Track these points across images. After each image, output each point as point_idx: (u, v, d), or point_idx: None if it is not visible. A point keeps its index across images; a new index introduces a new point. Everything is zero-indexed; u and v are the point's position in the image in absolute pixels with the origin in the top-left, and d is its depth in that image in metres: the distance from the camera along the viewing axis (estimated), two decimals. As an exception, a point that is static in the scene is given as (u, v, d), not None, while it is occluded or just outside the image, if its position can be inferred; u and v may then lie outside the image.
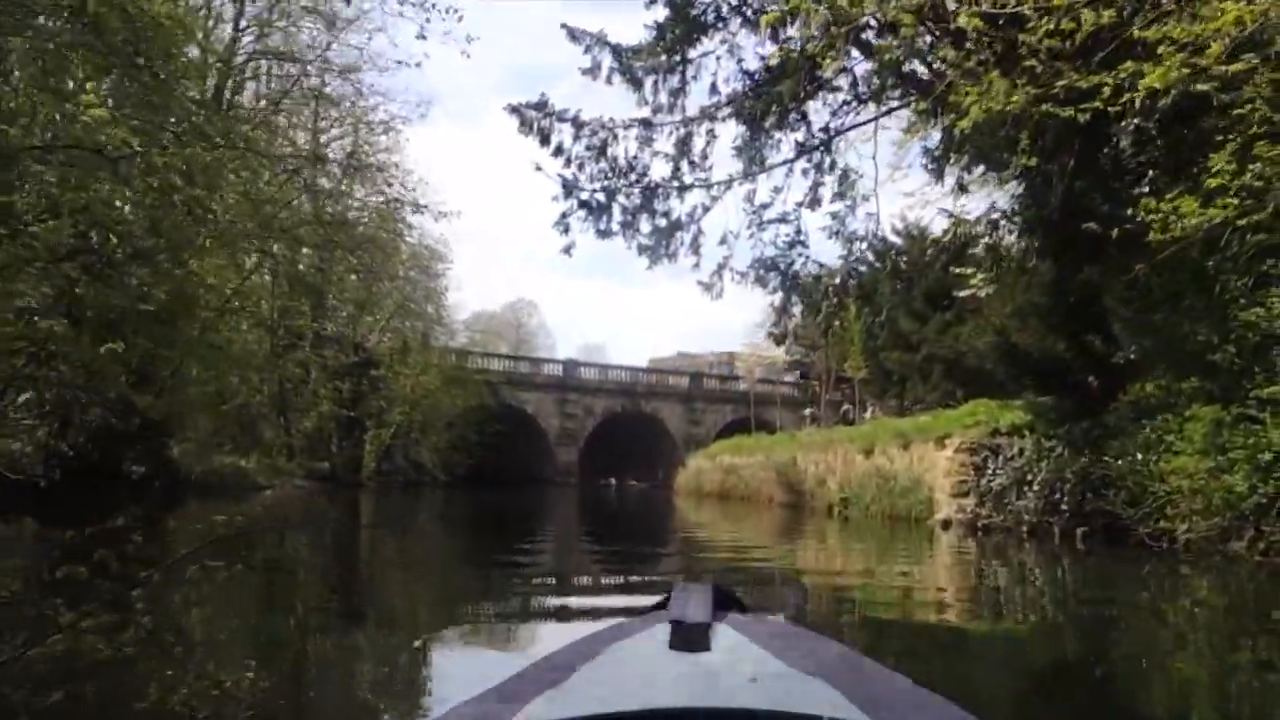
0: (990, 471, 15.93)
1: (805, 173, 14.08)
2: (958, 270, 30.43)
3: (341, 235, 38.52)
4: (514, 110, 14.01)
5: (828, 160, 14.13)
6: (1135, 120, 10.16)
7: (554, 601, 8.96)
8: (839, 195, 13.29)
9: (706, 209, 13.47)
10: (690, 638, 1.43)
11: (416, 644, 6.44)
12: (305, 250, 39.29)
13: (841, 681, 1.27)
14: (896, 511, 18.94)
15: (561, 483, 52.73)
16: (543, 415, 55.73)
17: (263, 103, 30.33)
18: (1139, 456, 11.58)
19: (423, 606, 8.75)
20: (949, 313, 36.15)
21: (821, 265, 13.56)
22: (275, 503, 27.39)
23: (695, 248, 13.40)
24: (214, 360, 24.61)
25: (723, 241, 13.45)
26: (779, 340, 15.19)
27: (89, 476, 20.78)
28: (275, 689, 4.66)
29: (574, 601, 8.93)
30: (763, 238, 13.57)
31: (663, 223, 13.23)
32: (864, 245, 13.03)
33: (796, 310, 14.19)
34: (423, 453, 45.10)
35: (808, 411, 42.08)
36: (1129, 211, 9.59)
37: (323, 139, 40.91)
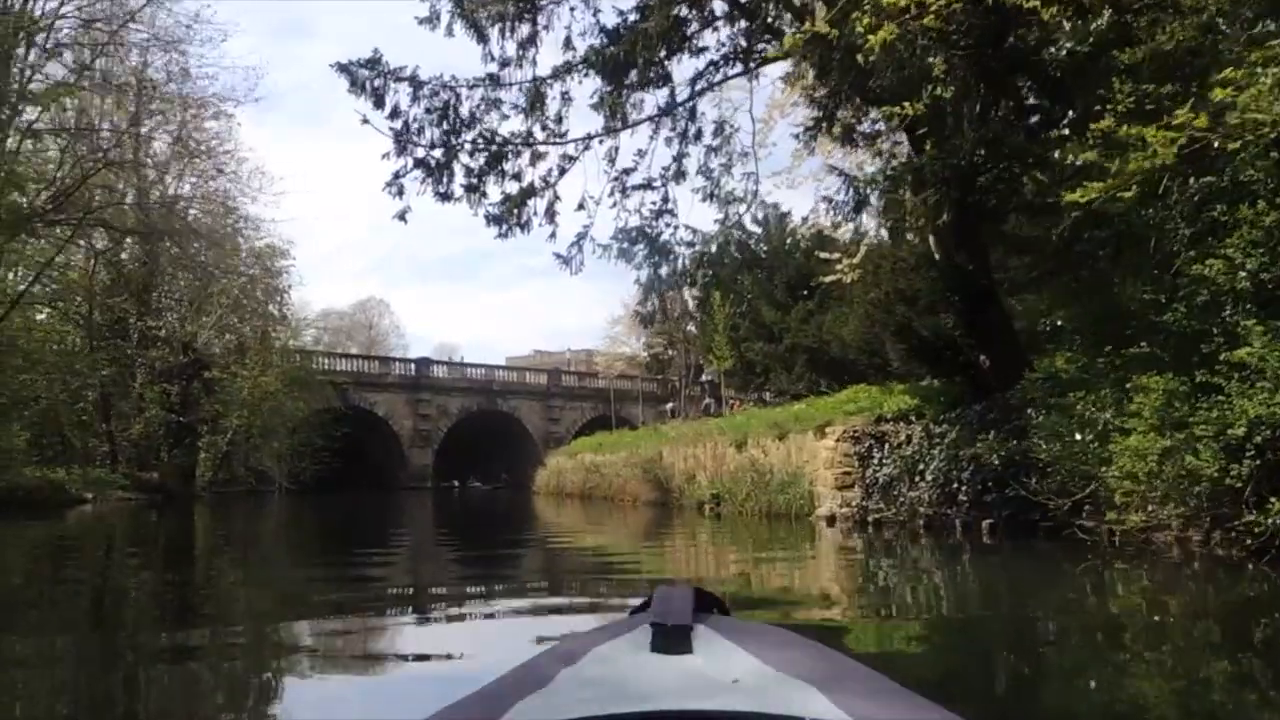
0: (876, 461, 14.89)
1: (669, 141, 12.78)
2: (824, 255, 30.02)
3: (170, 223, 35.69)
4: (343, 69, 12.32)
5: (693, 129, 12.85)
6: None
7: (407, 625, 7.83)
8: (712, 151, 12.05)
9: (563, 171, 12.05)
10: (672, 640, 1.39)
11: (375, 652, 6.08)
12: (128, 240, 36.31)
13: (825, 683, 1.24)
14: (775, 508, 17.78)
15: (417, 487, 50.61)
16: (395, 417, 53.40)
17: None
18: (1077, 438, 10.47)
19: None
20: (811, 301, 35.78)
21: (695, 231, 12.32)
22: (94, 518, 24.74)
23: (550, 215, 11.97)
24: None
25: (581, 208, 12.06)
26: (646, 321, 13.73)
27: None
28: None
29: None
30: (626, 205, 12.25)
31: (513, 187, 11.79)
32: (743, 208, 11.81)
33: (663, 285, 12.81)
34: (264, 459, 42.33)
35: (669, 406, 41.15)
36: (1043, 160, 8.61)
37: (147, 122, 37.80)
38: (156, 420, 35.30)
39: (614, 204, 12.23)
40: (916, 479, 13.91)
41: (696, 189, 11.91)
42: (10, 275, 26.85)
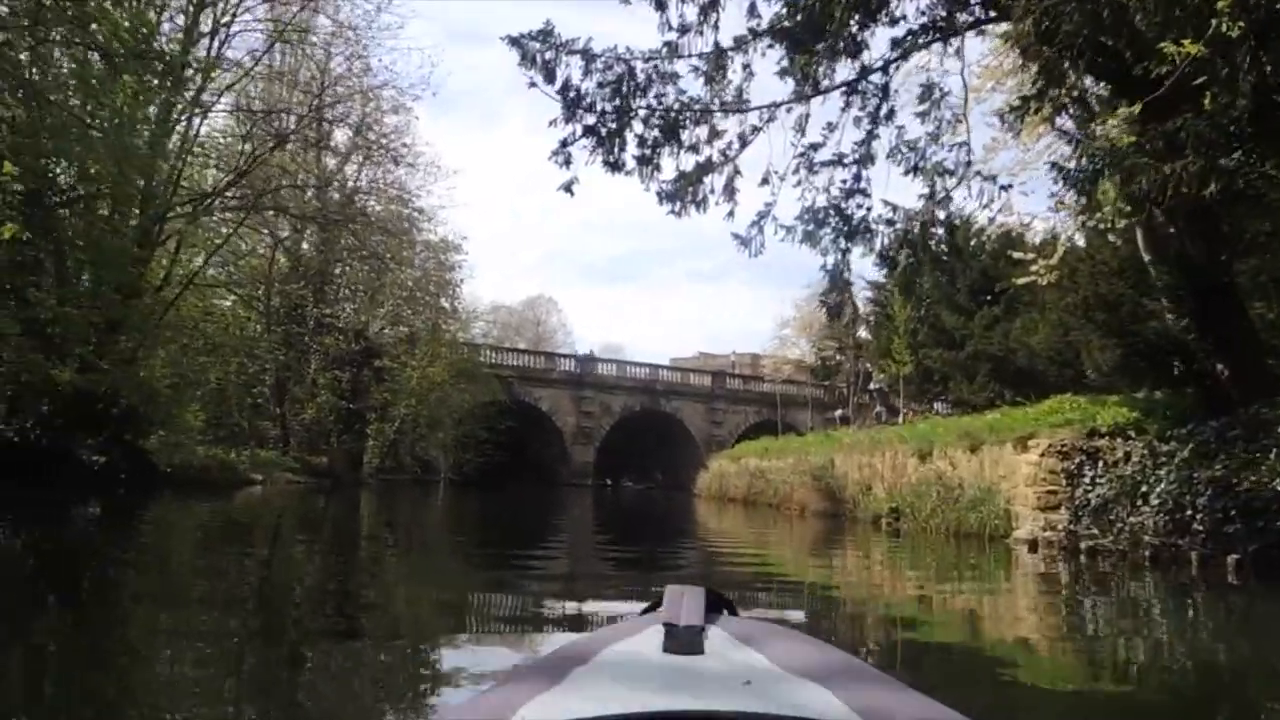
0: (1088, 480, 13.12)
1: (858, 121, 11.45)
2: (1017, 255, 27.90)
3: (348, 212, 36.25)
4: (513, 42, 11.49)
5: (885, 108, 11.47)
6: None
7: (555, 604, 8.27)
8: (920, 117, 10.68)
9: (745, 144, 10.91)
10: (683, 641, 1.41)
11: (408, 649, 6.05)
12: (308, 229, 37.13)
13: (836, 685, 1.25)
14: (964, 527, 16.08)
15: (578, 484, 50.31)
16: (558, 413, 53.32)
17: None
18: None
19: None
20: (997, 306, 33.56)
21: (896, 209, 10.96)
22: (262, 500, 25.03)
23: (730, 191, 10.83)
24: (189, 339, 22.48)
25: (765, 183, 10.86)
26: (833, 312, 12.23)
27: (34, 463, 18.37)
28: (260, 691, 4.79)
29: (568, 605, 8.29)
30: (813, 183, 11.00)
31: (689, 162, 10.73)
32: (952, 182, 10.39)
33: (849, 274, 11.49)
34: (430, 449, 42.76)
35: (838, 413, 39.46)
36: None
37: (328, 114, 38.56)
38: (328, 406, 35.90)
39: (798, 182, 11.01)
40: (1139, 503, 12.09)
41: (897, 161, 10.56)
42: (197, 259, 27.44)
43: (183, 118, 23.34)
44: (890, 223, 10.74)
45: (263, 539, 14.86)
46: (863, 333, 59.17)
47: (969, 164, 10.31)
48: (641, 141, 10.63)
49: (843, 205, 10.81)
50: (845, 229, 10.66)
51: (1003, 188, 10.53)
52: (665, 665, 1.34)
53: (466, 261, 45.18)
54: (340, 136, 39.38)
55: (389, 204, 40.08)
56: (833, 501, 22.88)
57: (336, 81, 35.28)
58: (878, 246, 10.75)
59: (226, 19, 25.28)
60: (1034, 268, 24.46)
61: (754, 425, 55.04)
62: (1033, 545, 13.71)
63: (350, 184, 40.70)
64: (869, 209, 10.97)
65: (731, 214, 10.77)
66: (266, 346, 33.38)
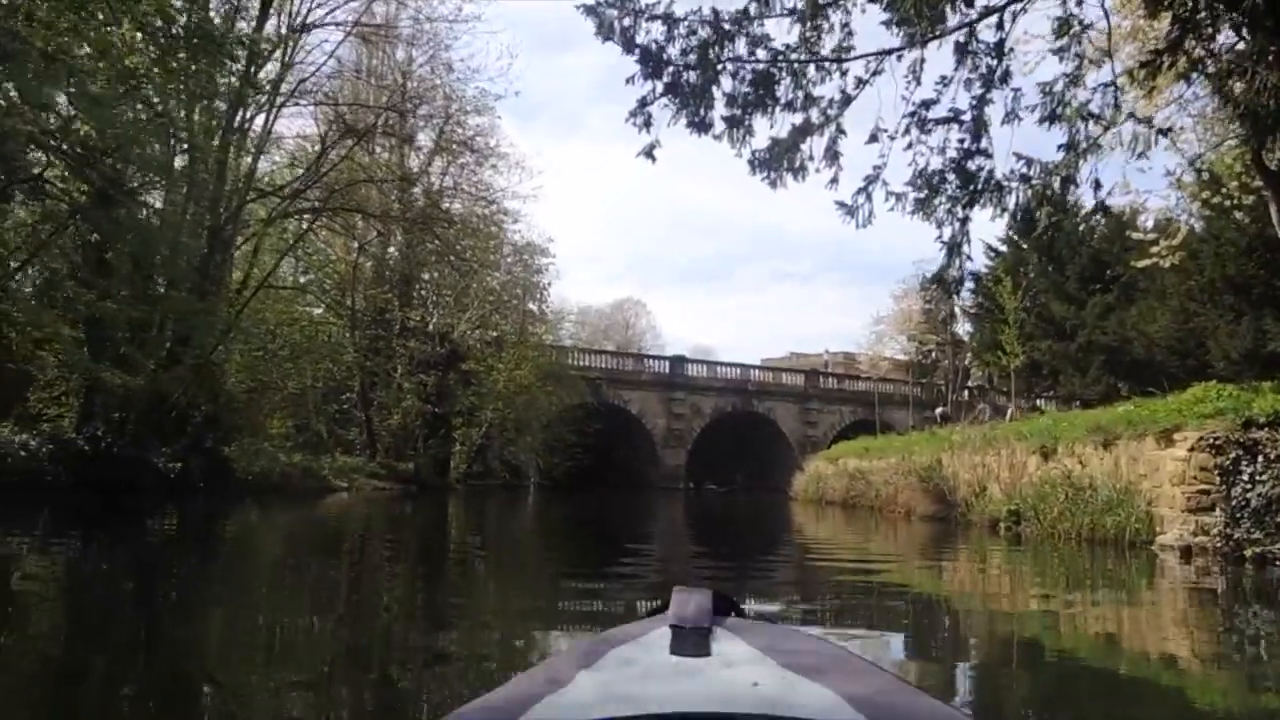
0: (1247, 478, 11.55)
1: (968, 84, 10.03)
2: (1135, 236, 25.93)
3: (433, 215, 35.70)
4: (589, 11, 10.39)
5: (1000, 68, 10.04)
6: None
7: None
8: (1058, 54, 9.20)
9: (849, 99, 9.59)
10: (690, 642, 1.40)
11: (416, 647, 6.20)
12: (393, 233, 36.75)
13: (843, 686, 1.24)
14: (1098, 531, 14.43)
15: (668, 487, 49.19)
16: (648, 415, 52.23)
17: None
18: None
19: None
20: (1110, 294, 31.46)
21: (1031, 163, 9.50)
22: (348, 507, 24.46)
23: (832, 155, 9.52)
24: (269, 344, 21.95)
25: (873, 139, 9.47)
26: (951, 287, 10.55)
27: (108, 472, 17.92)
28: (264, 688, 5.02)
29: (578, 606, 8.54)
30: (927, 143, 9.64)
31: (784, 125, 9.49)
32: (1098, 127, 8.89)
33: (968, 243, 10.02)
34: (518, 453, 42.06)
35: (939, 411, 37.59)
36: None
37: (410, 117, 38.15)
38: (414, 411, 35.35)
39: (909, 145, 9.64)
40: (1315, 504, 10.52)
41: (1031, 106, 9.13)
42: (285, 262, 27.05)
43: (259, 113, 22.86)
44: (1026, 178, 9.31)
45: (346, 550, 14.18)
46: (964, 326, 57.37)
47: (1117, 106, 8.87)
48: (731, 100, 9.43)
49: (963, 164, 9.46)
50: (966, 192, 9.28)
51: (1160, 132, 9.04)
52: (672, 667, 1.33)
53: (554, 264, 44.13)
54: (424, 139, 39.20)
55: (474, 205, 39.52)
56: (942, 504, 21.30)
57: (419, 81, 34.99)
58: (1011, 205, 9.33)
59: (301, 14, 24.75)
60: (1154, 249, 22.69)
61: (850, 425, 53.36)
62: (1185, 552, 12.10)
63: (435, 185, 40.28)
64: (990, 171, 9.57)
65: (835, 180, 9.44)
66: (351, 351, 32.95)
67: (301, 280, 29.80)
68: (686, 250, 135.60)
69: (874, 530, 20.90)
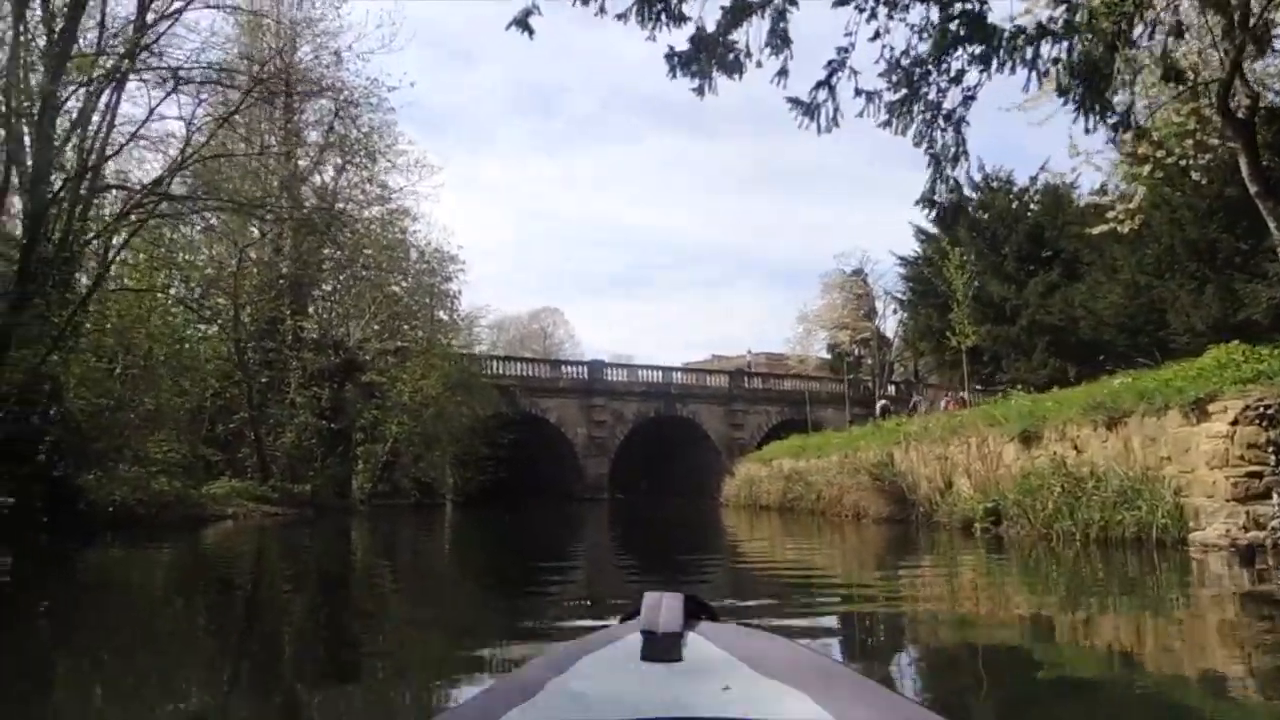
0: (1312, 453, 9.44)
1: None
2: (1097, 201, 24.09)
3: (324, 217, 32.72)
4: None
5: None
6: None
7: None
8: None
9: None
10: (662, 647, 1.40)
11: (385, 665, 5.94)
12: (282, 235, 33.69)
13: (815, 689, 1.26)
14: (1110, 530, 12.06)
15: (592, 498, 46.69)
16: (567, 424, 49.63)
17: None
18: None
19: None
20: (1052, 271, 29.76)
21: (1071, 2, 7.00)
22: (227, 537, 21.42)
23: (780, 37, 7.01)
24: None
25: (841, 2, 6.93)
26: (947, 217, 8.41)
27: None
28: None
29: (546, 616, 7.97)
30: (905, 20, 7.17)
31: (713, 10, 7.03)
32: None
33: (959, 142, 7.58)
34: (428, 470, 39.09)
35: (880, 403, 35.60)
36: None
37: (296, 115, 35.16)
38: (309, 427, 32.23)
39: (876, 32, 7.20)
40: None
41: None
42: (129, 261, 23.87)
43: (101, 90, 19.74)
44: (1070, 29, 6.83)
45: (220, 588, 11.64)
46: (885, 322, 56.14)
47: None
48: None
49: (944, 54, 7.04)
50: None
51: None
52: (644, 672, 1.32)
53: (463, 272, 41.32)
54: (315, 137, 36.24)
55: (370, 205, 36.67)
56: (898, 504, 19.02)
57: (304, 70, 31.99)
58: (1023, 59, 6.81)
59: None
60: (1110, 214, 20.88)
61: (778, 425, 51.52)
62: (1247, 550, 9.87)
63: (329, 185, 37.31)
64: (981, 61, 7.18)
65: (783, 72, 6.98)
66: (235, 363, 29.79)
67: (170, 285, 26.58)
68: (601, 263, 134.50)
69: (817, 535, 18.70)
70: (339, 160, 36.33)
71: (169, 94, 20.79)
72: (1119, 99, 7.39)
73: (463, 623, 8.19)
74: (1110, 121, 7.87)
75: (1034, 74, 6.77)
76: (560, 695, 1.27)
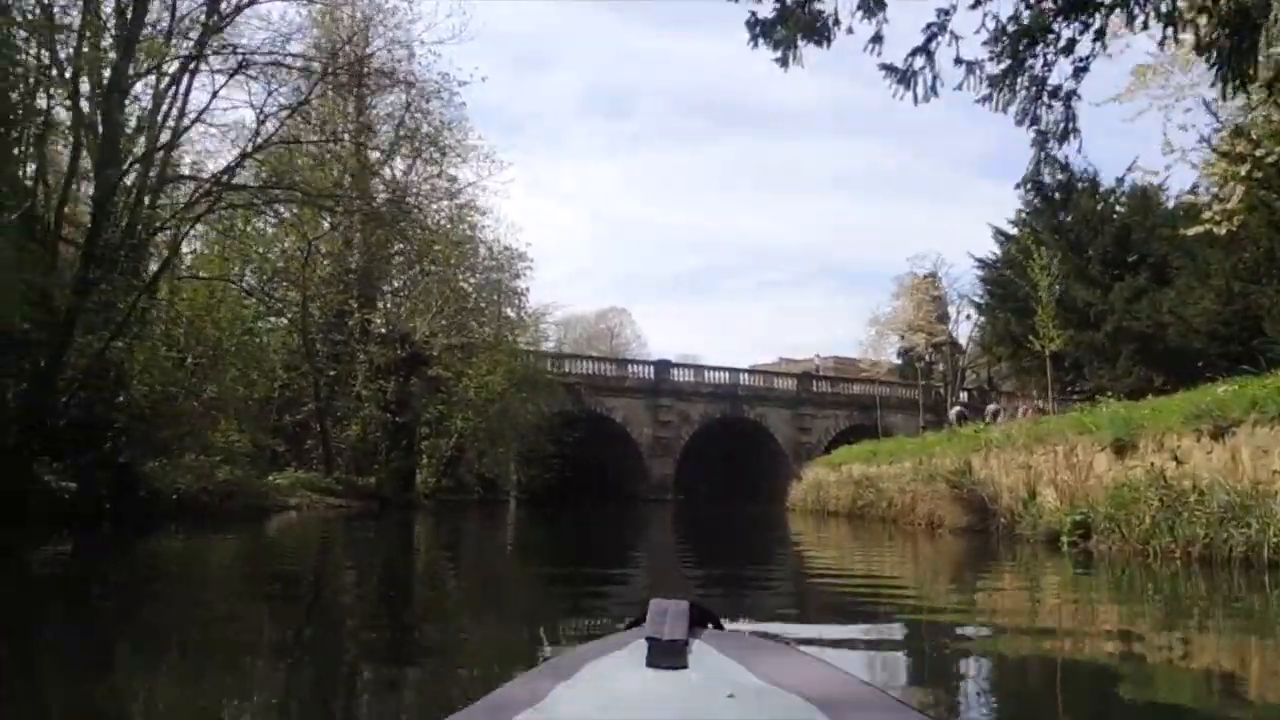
0: None
1: None
2: (1190, 198, 22.99)
3: (393, 212, 32.63)
4: None
5: None
6: None
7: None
8: None
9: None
10: (667, 655, 1.36)
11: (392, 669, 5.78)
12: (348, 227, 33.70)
13: (822, 699, 1.22)
14: (1214, 548, 11.14)
15: (656, 499, 46.19)
16: (633, 423, 49.21)
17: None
18: None
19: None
20: (1140, 275, 28.57)
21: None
22: (292, 529, 21.31)
23: (872, 4, 6.44)
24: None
25: None
26: (1053, 192, 7.75)
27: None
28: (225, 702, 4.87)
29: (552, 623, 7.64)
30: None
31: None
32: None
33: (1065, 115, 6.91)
34: (493, 466, 38.92)
35: (954, 410, 34.61)
36: None
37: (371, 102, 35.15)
38: (374, 420, 32.18)
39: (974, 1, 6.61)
40: None
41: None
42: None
43: (173, 80, 19.76)
44: None
45: (283, 580, 11.30)
46: (958, 327, 54.93)
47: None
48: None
49: (1052, 21, 6.41)
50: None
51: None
52: (648, 680, 1.32)
53: (532, 269, 41.05)
54: (387, 131, 36.24)
55: (439, 200, 36.57)
56: (977, 514, 18.15)
57: (377, 61, 31.94)
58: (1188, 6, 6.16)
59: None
60: (1206, 215, 19.87)
61: (846, 430, 50.57)
62: None
63: (400, 180, 37.32)
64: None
65: (878, 39, 6.43)
66: (303, 354, 29.84)
67: (240, 276, 26.65)
68: (669, 264, 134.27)
69: (888, 544, 17.99)
70: (409, 154, 36.40)
71: (234, 75, 20.68)
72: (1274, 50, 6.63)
73: (521, 619, 8.12)
74: (1262, 80, 7.13)
75: (1171, 28, 6.08)
76: (565, 701, 1.24)
